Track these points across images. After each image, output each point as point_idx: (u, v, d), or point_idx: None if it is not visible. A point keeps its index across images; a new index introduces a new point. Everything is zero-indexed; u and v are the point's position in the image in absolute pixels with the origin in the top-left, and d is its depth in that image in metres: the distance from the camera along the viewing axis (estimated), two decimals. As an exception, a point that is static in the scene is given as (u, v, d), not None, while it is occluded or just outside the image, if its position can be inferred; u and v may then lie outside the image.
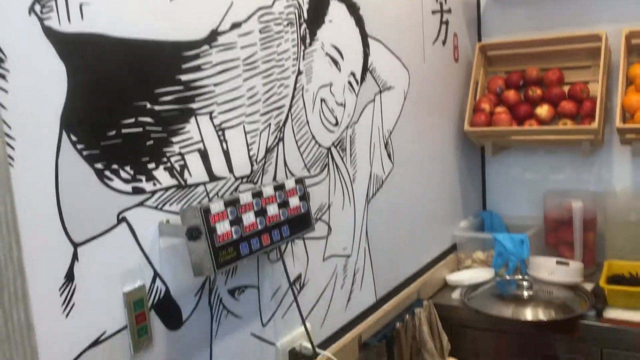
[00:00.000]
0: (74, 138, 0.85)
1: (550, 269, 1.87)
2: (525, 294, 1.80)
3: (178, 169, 1.02)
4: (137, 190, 0.95)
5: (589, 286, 1.83)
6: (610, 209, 1.95)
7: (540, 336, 1.74)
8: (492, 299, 1.84)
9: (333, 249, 1.45)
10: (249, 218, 1.05)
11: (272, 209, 1.11)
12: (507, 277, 1.92)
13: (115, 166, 0.91)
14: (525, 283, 1.83)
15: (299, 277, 1.33)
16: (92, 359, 0.88)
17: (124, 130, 0.92)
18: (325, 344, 1.41)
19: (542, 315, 1.71)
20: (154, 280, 0.98)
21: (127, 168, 0.93)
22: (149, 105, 0.96)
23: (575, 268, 1.86)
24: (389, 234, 1.70)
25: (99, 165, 0.88)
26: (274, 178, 1.25)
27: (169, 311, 1.01)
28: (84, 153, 0.86)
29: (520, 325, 1.75)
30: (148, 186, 0.96)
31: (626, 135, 1.87)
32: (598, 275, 1.80)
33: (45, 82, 0.81)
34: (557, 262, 1.88)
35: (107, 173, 0.90)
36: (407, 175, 1.79)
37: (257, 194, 1.08)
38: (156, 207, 0.98)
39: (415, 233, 1.85)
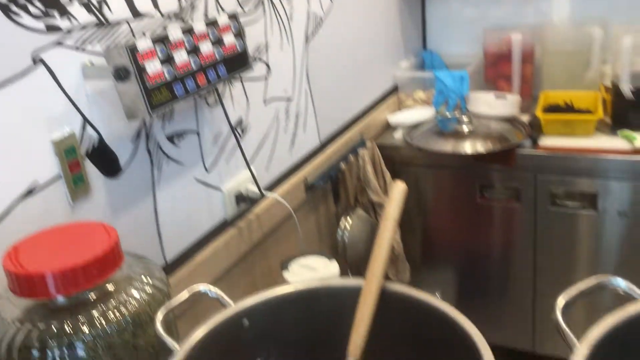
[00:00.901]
0: (-35, -35, 0.74)
1: (488, 104, 1.90)
2: (465, 129, 1.83)
3: (95, 3, 0.92)
4: (51, 28, 0.85)
5: (525, 117, 1.87)
6: (548, 40, 1.95)
7: (479, 168, 1.81)
8: (433, 136, 1.87)
9: (273, 91, 1.40)
10: (181, 57, 0.98)
11: (206, 47, 1.04)
12: (448, 114, 1.94)
13: (21, 0, 0.80)
14: (465, 119, 1.85)
15: (240, 121, 1.30)
16: (29, 209, 0.84)
17: (25, -43, 0.80)
18: (271, 187, 1.42)
19: (480, 147, 1.75)
20: (84, 127, 0.92)
21: (36, 2, 0.82)
22: None
23: (513, 101, 1.89)
24: (330, 75, 1.66)
25: (1, -1, 0.78)
26: (205, 15, 1.16)
27: (104, 159, 0.96)
28: (-19, -16, 0.76)
29: (460, 158, 1.80)
30: (63, 23, 0.87)
31: (567, -38, 1.82)
32: (535, 107, 1.85)
33: None
34: (496, 96, 1.91)
35: (13, 8, 0.80)
36: (347, 14, 1.71)
37: (188, 31, 1.00)
38: (76, 48, 0.90)
39: (357, 75, 1.81)
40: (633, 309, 0.63)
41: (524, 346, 1.93)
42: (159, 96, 0.93)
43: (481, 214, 1.86)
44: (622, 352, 0.62)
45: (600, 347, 0.59)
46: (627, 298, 0.68)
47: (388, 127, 2.00)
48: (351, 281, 0.79)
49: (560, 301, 0.65)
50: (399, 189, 0.79)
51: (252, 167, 1.29)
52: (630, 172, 1.63)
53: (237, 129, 1.29)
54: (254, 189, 1.31)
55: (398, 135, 1.93)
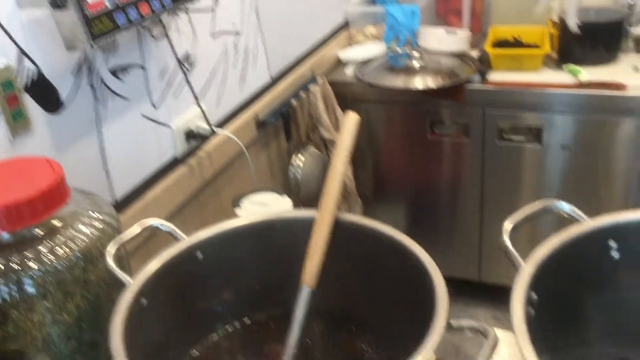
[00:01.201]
0: None
1: (439, 39, 1.90)
2: (416, 64, 1.83)
3: None
4: (-23, -50, 0.79)
5: (475, 53, 1.88)
6: (498, -26, 1.94)
7: (429, 104, 1.82)
8: (384, 72, 1.86)
9: (221, 25, 1.35)
10: (122, -16, 0.93)
11: (148, -25, 0.99)
12: (399, 50, 1.93)
13: None
14: (415, 54, 1.85)
15: (187, 55, 1.25)
16: (-36, 146, 0.80)
17: None
18: (221, 124, 1.39)
19: (430, 83, 1.76)
20: (20, 60, 0.87)
21: None
22: None
23: (463, 36, 1.89)
24: (280, 10, 1.61)
25: None
26: (146, -59, 1.09)
27: (44, 93, 0.91)
28: None
29: (410, 94, 1.80)
30: (-9, -55, 0.81)
31: None
32: (484, 42, 1.85)
33: None
34: (446, 32, 1.91)
35: None
36: (295, -56, 1.65)
37: (128, -44, 0.95)
38: (7, -27, 0.84)
39: (307, 9, 1.77)
40: (576, 230, 0.66)
41: (471, 276, 2.01)
42: (100, 26, 0.88)
43: (431, 149, 1.88)
44: (565, 271, 0.65)
45: (545, 266, 0.61)
46: (569, 224, 0.70)
47: (339, 64, 1.97)
48: (305, 213, 0.79)
49: (507, 225, 0.67)
50: (351, 120, 0.79)
51: (201, 103, 1.26)
52: (574, 105, 1.67)
53: (185, 64, 1.24)
54: (204, 125, 1.28)
55: (349, 71, 1.91)
